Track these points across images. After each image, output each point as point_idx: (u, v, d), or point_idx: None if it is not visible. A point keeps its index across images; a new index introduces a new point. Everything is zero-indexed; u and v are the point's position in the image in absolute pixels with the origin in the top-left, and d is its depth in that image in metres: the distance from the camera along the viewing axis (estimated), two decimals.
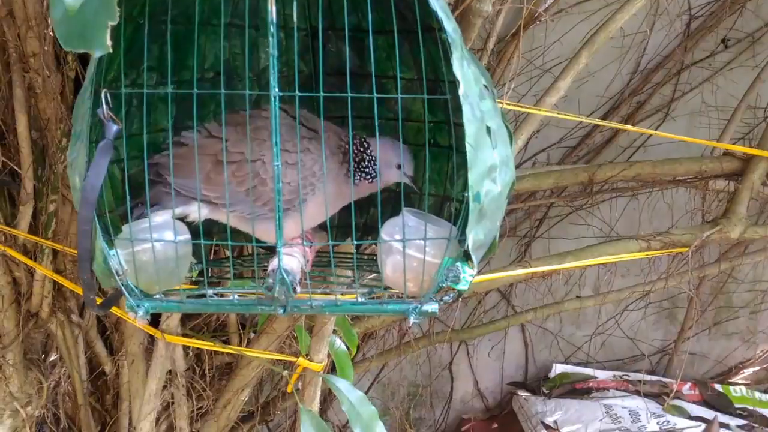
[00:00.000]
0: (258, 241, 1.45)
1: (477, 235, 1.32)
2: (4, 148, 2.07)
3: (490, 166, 1.31)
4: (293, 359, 2.01)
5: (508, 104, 2.09)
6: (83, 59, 2.04)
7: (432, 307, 1.34)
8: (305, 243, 1.48)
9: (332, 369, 2.16)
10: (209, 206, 1.46)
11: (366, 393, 3.54)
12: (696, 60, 3.43)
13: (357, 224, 1.74)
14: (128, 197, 1.44)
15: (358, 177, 1.51)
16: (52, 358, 2.42)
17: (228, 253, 1.97)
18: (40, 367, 2.38)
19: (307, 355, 2.01)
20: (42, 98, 1.93)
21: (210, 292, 1.39)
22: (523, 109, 2.18)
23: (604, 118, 3.37)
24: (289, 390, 2.03)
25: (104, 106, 1.30)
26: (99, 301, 1.38)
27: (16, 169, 2.04)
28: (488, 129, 1.31)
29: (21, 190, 2.04)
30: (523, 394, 3.50)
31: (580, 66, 2.29)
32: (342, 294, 1.41)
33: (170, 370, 2.27)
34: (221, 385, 2.45)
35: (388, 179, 1.55)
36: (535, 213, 3.53)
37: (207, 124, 1.51)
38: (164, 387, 2.27)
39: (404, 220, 1.36)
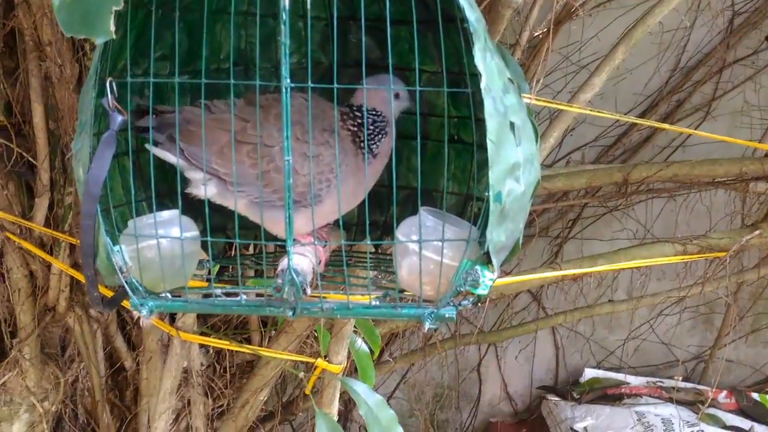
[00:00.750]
0: (269, 237, 1.39)
1: (498, 237, 1.25)
2: (22, 138, 2.03)
3: (513, 164, 1.24)
4: (311, 360, 1.95)
5: (539, 100, 2.01)
6: None
7: (449, 312, 1.27)
8: (319, 242, 1.42)
9: (354, 370, 2.10)
10: (217, 184, 1.40)
11: (392, 394, 3.54)
12: (738, 58, 3.34)
13: (377, 222, 1.67)
14: (132, 191, 1.38)
15: (375, 145, 1.45)
16: (70, 353, 2.39)
17: (245, 251, 1.93)
18: (58, 361, 2.35)
19: (326, 357, 1.95)
20: (59, 88, 1.89)
21: (217, 291, 1.34)
22: (555, 106, 2.11)
23: (641, 116, 3.31)
24: (307, 392, 1.97)
25: (109, 95, 1.25)
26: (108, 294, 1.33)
27: (32, 160, 2.00)
28: (512, 125, 1.23)
29: (37, 182, 2.00)
30: (552, 398, 3.45)
31: (616, 62, 2.23)
32: (355, 296, 1.35)
33: (186, 369, 2.22)
34: (241, 384, 2.40)
35: (397, 111, 1.49)
36: (568, 213, 3.47)
37: (236, 99, 1.45)
38: (181, 385, 2.22)
39: (421, 219, 1.29)
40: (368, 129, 1.42)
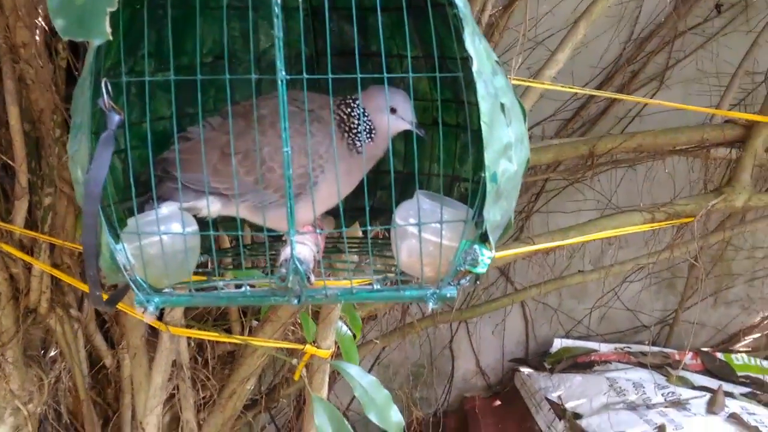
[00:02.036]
0: (269, 230, 1.41)
1: (494, 216, 1.29)
2: None
3: (506, 145, 1.28)
4: (300, 347, 1.97)
5: (515, 80, 2.04)
6: (75, 49, 1.99)
7: (450, 291, 1.31)
8: (317, 230, 1.44)
9: (337, 355, 2.12)
10: (220, 200, 1.42)
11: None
12: (690, 26, 3.39)
13: (364, 208, 1.69)
14: (133, 188, 1.38)
15: (359, 142, 1.46)
16: (52, 353, 2.37)
17: (236, 243, 1.94)
18: (40, 363, 2.33)
19: (313, 342, 1.97)
20: (34, 89, 1.87)
21: (221, 284, 1.36)
22: (525, 83, 2.13)
23: (598, 88, 3.34)
24: (296, 378, 1.99)
25: (105, 95, 1.26)
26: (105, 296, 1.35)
27: (10, 162, 1.99)
28: (502, 106, 1.28)
29: (15, 185, 1.99)
30: (525, 370, 3.47)
31: (578, 37, 2.29)
32: (355, 281, 1.37)
33: (174, 362, 2.23)
34: (224, 375, 2.41)
35: (391, 127, 1.47)
36: (531, 187, 3.49)
37: (210, 118, 1.47)
38: (168, 379, 2.23)
39: (419, 203, 1.32)
40: (354, 123, 1.44)
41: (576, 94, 3.25)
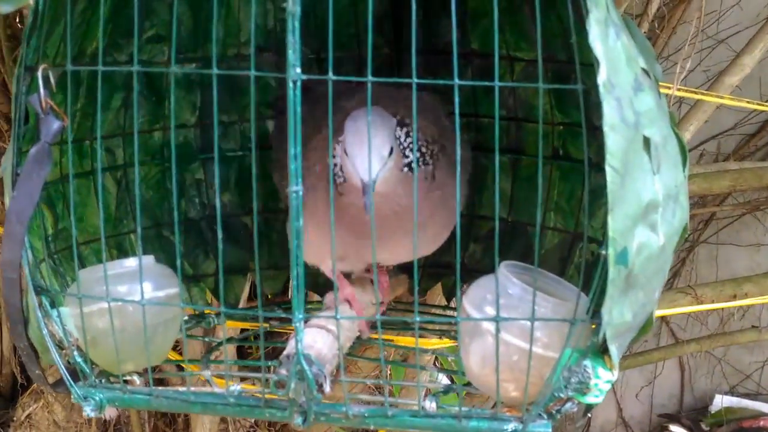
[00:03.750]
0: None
1: (621, 315, 0.87)
2: None
3: (648, 204, 0.87)
4: None
5: (681, 90, 1.64)
6: None
7: (542, 429, 0.89)
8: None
9: None
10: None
11: None
12: None
13: (449, 264, 1.31)
14: (139, 219, 1.07)
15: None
16: None
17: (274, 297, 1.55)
18: None
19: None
20: None
21: (207, 374, 0.99)
22: (696, 96, 1.70)
23: None
24: None
25: (41, 90, 0.90)
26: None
27: None
28: (646, 141, 0.87)
29: None
30: (677, 430, 3.21)
31: None
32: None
33: None
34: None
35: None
36: (698, 214, 3.16)
37: None
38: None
39: (501, 282, 0.91)
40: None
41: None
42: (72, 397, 0.94)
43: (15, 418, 2.11)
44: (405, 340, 1.38)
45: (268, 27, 1.30)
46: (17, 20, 1.81)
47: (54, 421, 2.09)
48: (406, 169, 0.98)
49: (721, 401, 3.30)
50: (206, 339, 1.24)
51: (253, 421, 2.09)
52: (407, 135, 0.98)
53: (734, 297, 2.07)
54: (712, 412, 3.29)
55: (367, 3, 0.86)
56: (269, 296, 1.40)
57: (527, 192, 1.24)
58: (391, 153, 0.97)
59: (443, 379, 0.98)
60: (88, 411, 0.92)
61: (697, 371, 3.42)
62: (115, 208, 1.17)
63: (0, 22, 1.82)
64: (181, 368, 1.62)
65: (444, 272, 1.29)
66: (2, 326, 2.16)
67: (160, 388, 0.96)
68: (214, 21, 0.86)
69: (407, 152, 0.98)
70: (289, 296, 1.50)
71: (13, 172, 0.92)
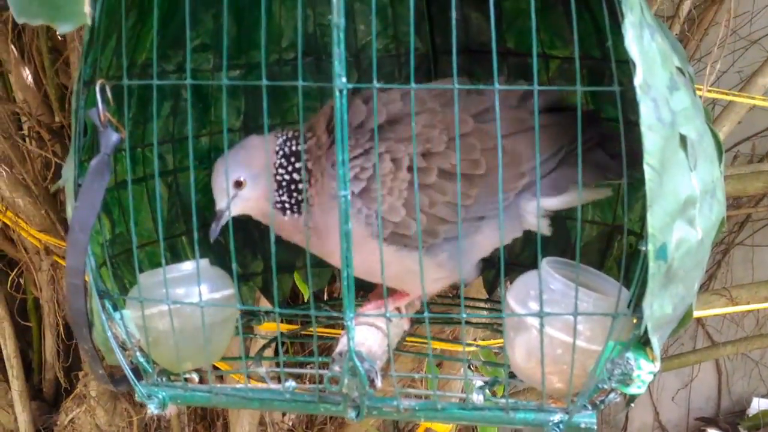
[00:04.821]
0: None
1: (661, 308, 0.88)
2: None
3: (686, 200, 0.87)
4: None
5: (710, 90, 1.59)
6: None
7: (587, 419, 0.90)
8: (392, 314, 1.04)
9: None
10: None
11: None
12: None
13: (491, 259, 1.26)
14: (195, 221, 1.04)
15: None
16: None
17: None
18: (131, 397, 2.09)
19: None
20: None
21: (262, 371, 1.00)
22: (728, 97, 1.67)
23: None
24: None
25: (99, 105, 0.92)
26: None
27: None
28: (683, 139, 0.87)
29: None
30: None
31: None
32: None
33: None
34: None
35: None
36: (734, 216, 3.05)
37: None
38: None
39: (544, 278, 0.92)
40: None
41: None
42: (136, 395, 0.97)
43: (58, 423, 2.09)
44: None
45: (308, 32, 1.29)
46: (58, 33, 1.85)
47: (96, 425, 2.06)
48: (279, 205, 1.01)
49: (758, 404, 3.22)
50: (259, 336, 1.24)
51: (290, 424, 2.10)
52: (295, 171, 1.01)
53: None
54: (750, 415, 3.18)
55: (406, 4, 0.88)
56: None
57: None
58: (241, 186, 1.01)
59: (477, 380, 0.99)
60: (153, 408, 0.95)
61: (734, 374, 3.30)
62: (167, 212, 1.19)
63: (42, 36, 1.85)
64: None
65: (485, 266, 1.25)
66: (46, 333, 2.17)
67: (219, 385, 0.98)
68: (263, 32, 0.88)
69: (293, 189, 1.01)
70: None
71: (75, 183, 0.94)
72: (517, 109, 1.03)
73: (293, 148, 1.01)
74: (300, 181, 1.00)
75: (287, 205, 1.01)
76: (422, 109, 1.00)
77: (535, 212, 1.01)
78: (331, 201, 0.98)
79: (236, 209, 1.02)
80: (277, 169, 1.01)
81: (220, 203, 1.02)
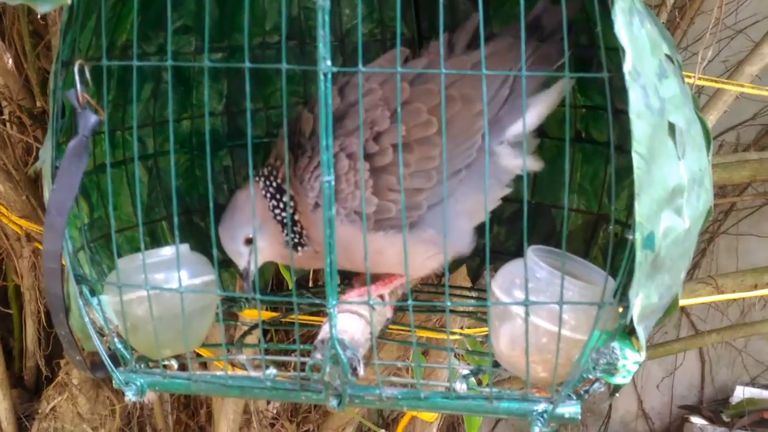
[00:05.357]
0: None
1: (648, 297, 0.86)
2: None
3: (674, 189, 0.86)
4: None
5: (701, 78, 1.59)
6: None
7: (570, 409, 0.89)
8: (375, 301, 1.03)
9: None
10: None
11: None
12: None
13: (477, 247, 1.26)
14: (175, 206, 1.04)
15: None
16: None
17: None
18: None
19: None
20: None
21: (242, 357, 0.98)
22: (717, 84, 1.66)
23: None
24: None
25: (78, 86, 0.90)
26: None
27: None
28: (671, 127, 0.86)
29: None
30: (697, 421, 3.11)
31: None
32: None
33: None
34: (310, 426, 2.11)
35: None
36: (719, 205, 3.06)
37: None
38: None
39: (530, 267, 0.90)
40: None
41: None
42: (113, 382, 0.95)
43: (39, 411, 2.09)
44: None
45: (292, 15, 1.27)
46: (39, 16, 1.83)
47: (78, 413, 2.05)
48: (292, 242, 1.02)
49: (742, 392, 3.21)
50: (241, 324, 1.23)
51: (275, 412, 2.09)
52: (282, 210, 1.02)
53: (755, 287, 2.00)
54: (733, 403, 3.17)
55: None
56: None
57: (550, 174, 1.19)
58: (251, 241, 1.02)
59: (462, 369, 0.98)
60: (130, 395, 0.93)
61: (718, 362, 3.31)
62: (147, 196, 1.17)
63: (23, 19, 1.82)
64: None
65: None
66: (27, 320, 2.17)
67: (198, 372, 0.97)
68: (246, 14, 0.86)
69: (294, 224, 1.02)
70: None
71: (52, 165, 0.92)
72: (458, 56, 1.03)
73: (274, 183, 1.02)
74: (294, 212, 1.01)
75: (296, 239, 1.02)
76: (364, 92, 1.00)
77: (508, 152, 1.02)
78: (317, 212, 0.99)
79: (260, 261, 1.04)
80: (273, 211, 1.02)
81: (242, 265, 1.04)
